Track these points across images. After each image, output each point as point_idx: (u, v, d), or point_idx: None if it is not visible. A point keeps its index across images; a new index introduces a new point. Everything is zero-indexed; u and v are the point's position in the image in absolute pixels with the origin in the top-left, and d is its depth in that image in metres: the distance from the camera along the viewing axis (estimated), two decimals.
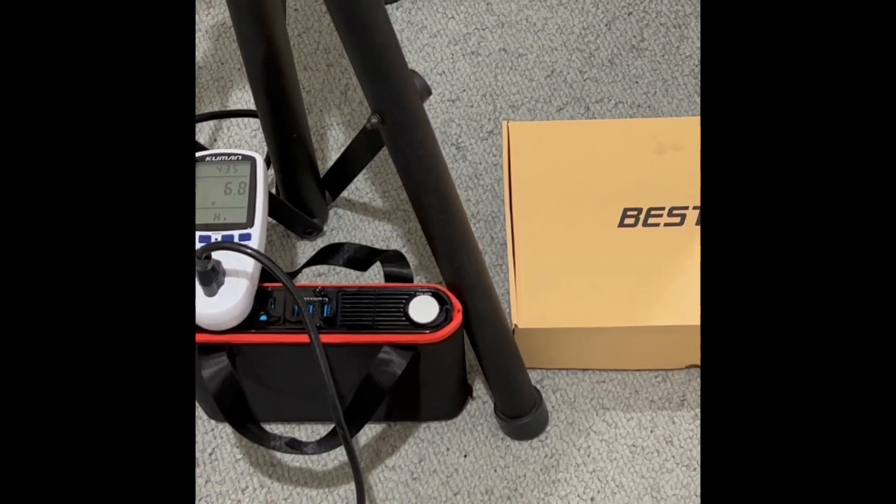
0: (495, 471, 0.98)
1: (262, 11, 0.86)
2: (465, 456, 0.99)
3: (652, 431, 0.99)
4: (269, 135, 0.99)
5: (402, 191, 1.10)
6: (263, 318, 0.87)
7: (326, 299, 0.88)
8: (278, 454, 0.99)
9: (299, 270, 1.03)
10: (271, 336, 0.87)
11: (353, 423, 0.88)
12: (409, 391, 0.94)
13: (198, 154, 0.90)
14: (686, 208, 1.00)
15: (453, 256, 0.85)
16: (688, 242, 0.98)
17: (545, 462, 0.98)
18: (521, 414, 0.96)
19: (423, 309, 0.87)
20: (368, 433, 0.99)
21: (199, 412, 1.01)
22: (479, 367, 0.94)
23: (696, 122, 1.05)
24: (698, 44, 1.19)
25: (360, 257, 0.99)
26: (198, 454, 0.99)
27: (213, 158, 0.90)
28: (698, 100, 1.15)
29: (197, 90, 1.18)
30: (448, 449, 0.99)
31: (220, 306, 0.84)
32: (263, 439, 0.90)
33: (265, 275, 0.87)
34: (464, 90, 1.17)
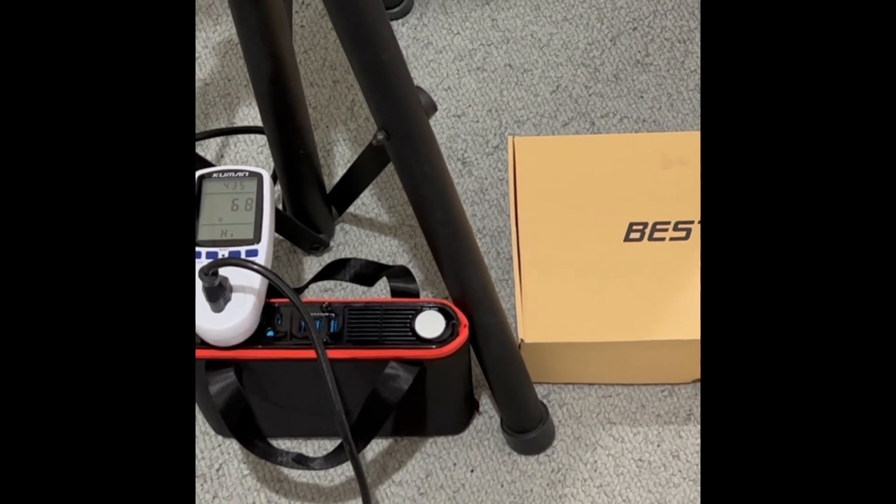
0: (502, 486, 0.98)
1: (270, 29, 0.87)
2: (472, 471, 0.99)
3: (658, 446, 0.99)
4: (276, 151, 0.99)
5: (408, 206, 1.10)
6: (270, 333, 0.87)
7: (333, 315, 0.88)
8: (285, 470, 0.99)
9: (306, 286, 1.03)
10: (278, 352, 0.87)
11: (360, 438, 0.88)
12: (415, 406, 0.94)
13: (205, 170, 0.91)
14: (691, 223, 1.00)
15: (459, 271, 0.85)
16: (693, 257, 0.98)
17: (552, 477, 0.98)
18: (528, 429, 0.97)
19: (430, 324, 0.87)
20: (375, 448, 0.99)
21: (207, 428, 1.01)
22: (486, 381, 0.94)
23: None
24: None
25: (367, 273, 0.99)
26: (205, 470, 1.00)
27: (221, 175, 0.90)
28: None
29: (204, 107, 1.18)
30: (455, 464, 0.99)
31: (227, 322, 0.84)
32: (271, 455, 0.90)
33: (272, 290, 0.88)
34: (469, 105, 1.18)
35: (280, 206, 1.06)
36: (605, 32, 1.22)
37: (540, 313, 0.96)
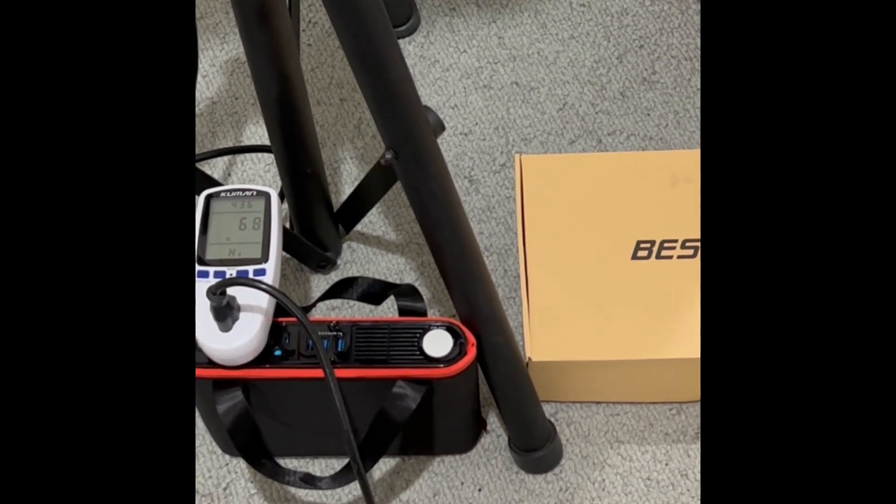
0: None
1: (277, 47, 0.87)
2: (480, 490, 0.99)
3: (667, 465, 0.99)
4: (283, 170, 0.99)
5: (416, 224, 1.11)
6: (278, 352, 0.87)
7: (341, 334, 0.88)
8: (293, 489, 0.99)
9: (313, 305, 1.03)
10: (286, 371, 0.87)
11: (368, 457, 0.88)
12: (423, 425, 0.94)
13: (213, 190, 0.91)
14: (699, 241, 1.00)
15: (467, 290, 0.85)
16: None
17: (560, 496, 0.98)
18: (536, 447, 0.96)
19: (437, 343, 0.88)
20: (382, 467, 0.99)
21: (214, 447, 1.01)
22: (493, 400, 0.94)
23: None
24: None
25: (374, 291, 0.99)
26: (212, 489, 1.00)
27: (228, 194, 0.91)
28: None
29: (211, 125, 1.19)
30: (462, 483, 0.99)
31: (235, 342, 0.84)
32: (278, 474, 0.90)
33: (280, 309, 0.88)
34: (476, 123, 1.18)
35: (287, 225, 1.06)
36: (612, 50, 1.22)
37: (547, 332, 0.96)
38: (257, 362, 0.87)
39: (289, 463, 0.99)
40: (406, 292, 0.96)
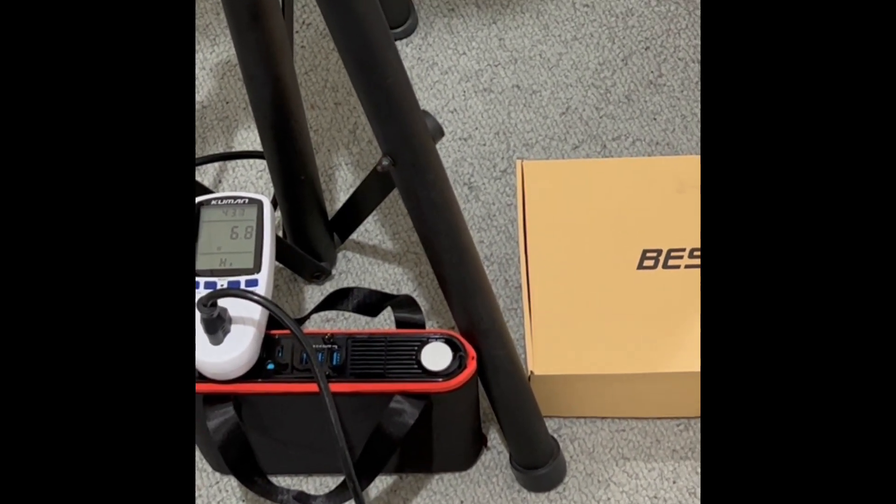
0: None
1: (270, 50, 0.87)
2: None
3: (675, 483, 0.99)
4: (276, 176, 0.99)
5: (413, 233, 1.11)
6: (271, 366, 0.87)
7: (336, 347, 0.88)
8: None
9: (307, 316, 1.03)
10: (279, 385, 0.87)
11: (364, 475, 0.88)
12: (421, 441, 0.94)
13: (203, 197, 0.91)
14: None
15: (466, 301, 0.85)
16: None
17: None
18: (538, 464, 0.96)
19: (436, 356, 0.88)
20: (379, 485, 0.99)
21: (204, 464, 1.01)
22: (494, 415, 0.94)
23: None
24: None
25: (371, 302, 0.99)
26: None
27: (219, 202, 0.91)
28: None
29: (201, 130, 1.19)
30: (462, 502, 0.99)
31: (226, 355, 0.84)
32: (270, 493, 0.90)
33: (272, 321, 0.88)
34: (476, 128, 1.18)
35: (280, 234, 1.06)
36: (617, 52, 1.22)
37: (550, 344, 0.96)
38: (249, 376, 0.86)
39: (282, 481, 0.99)
40: (403, 303, 0.96)
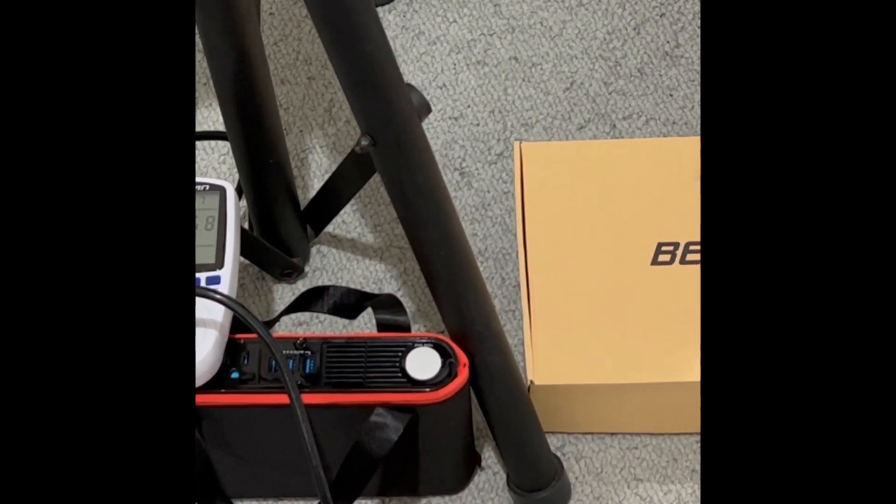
0: None
1: (233, 16, 0.87)
2: None
3: None
4: (241, 160, 0.99)
5: (397, 224, 1.11)
6: (235, 375, 0.87)
7: (309, 353, 0.88)
8: None
9: (277, 319, 1.03)
10: (244, 396, 0.87)
11: (342, 498, 0.88)
12: (406, 460, 0.94)
13: None
14: None
15: (457, 301, 0.85)
16: None
17: None
18: (539, 487, 0.97)
19: (423, 363, 0.88)
20: None
21: None
22: (489, 431, 0.95)
23: None
24: None
25: (348, 303, 0.99)
26: None
27: None
28: None
29: None
30: None
31: None
32: None
33: (237, 324, 0.88)
34: (468, 106, 1.19)
35: (246, 225, 1.07)
36: (628, 20, 1.23)
37: (552, 350, 0.96)
38: (211, 386, 0.87)
39: None
40: (386, 304, 0.96)
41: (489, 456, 1.02)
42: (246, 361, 0.88)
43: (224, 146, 1.16)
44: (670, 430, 1.02)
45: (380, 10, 1.23)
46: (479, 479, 1.01)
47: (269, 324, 1.03)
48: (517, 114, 1.18)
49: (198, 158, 1.16)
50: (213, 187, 0.91)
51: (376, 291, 1.08)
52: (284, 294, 1.09)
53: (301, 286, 1.09)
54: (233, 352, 0.88)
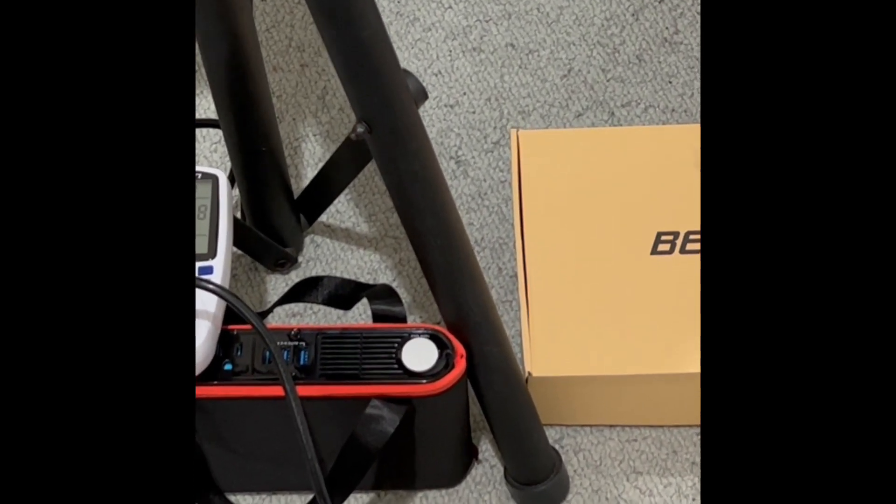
0: None
1: (226, 3, 0.87)
2: None
3: (694, 500, 0.99)
4: (234, 148, 0.99)
5: (392, 213, 1.11)
6: (228, 366, 0.87)
7: (303, 344, 0.88)
8: None
9: (270, 310, 1.03)
10: (238, 388, 0.87)
11: (337, 492, 0.88)
12: (402, 453, 0.94)
13: None
14: None
15: (454, 291, 0.85)
16: None
17: None
18: (537, 480, 0.97)
19: (419, 354, 0.88)
20: None
21: None
22: (486, 423, 0.94)
23: None
24: None
25: (343, 293, 0.99)
26: None
27: None
28: None
29: None
30: None
31: None
32: None
33: (230, 315, 0.88)
34: (464, 93, 1.18)
35: (238, 214, 1.06)
36: (626, 5, 1.22)
37: (550, 342, 0.96)
38: (204, 378, 0.87)
39: (242, 500, 0.99)
40: (381, 294, 0.96)
41: (486, 449, 1.02)
42: (239, 353, 0.88)
43: (216, 134, 1.16)
44: (670, 422, 1.02)
45: None
46: (476, 472, 1.01)
47: (263, 315, 1.03)
48: (514, 101, 1.18)
49: None
50: (206, 176, 0.91)
51: (371, 282, 1.08)
52: (278, 284, 1.09)
53: (294, 276, 1.09)
54: (226, 343, 0.88)
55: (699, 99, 1.17)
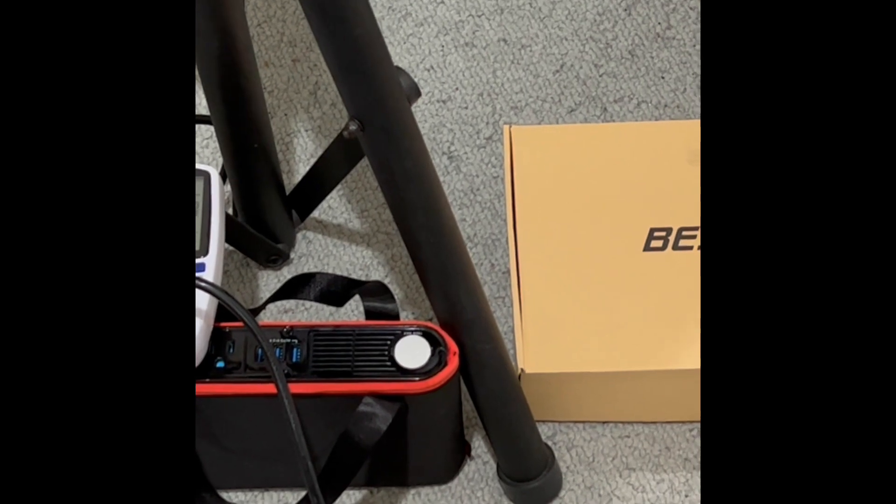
0: None
1: None
2: None
3: (687, 496, 0.99)
4: (226, 144, 0.99)
5: (385, 209, 1.11)
6: (220, 364, 0.87)
7: (295, 341, 0.88)
8: None
9: (262, 307, 1.03)
10: (230, 386, 0.87)
11: (330, 489, 0.88)
12: (395, 450, 0.94)
13: None
14: None
15: (447, 288, 0.85)
16: None
17: None
18: (530, 477, 0.97)
19: (412, 351, 0.88)
20: (346, 502, 1.00)
21: None
22: (479, 420, 0.95)
23: None
24: None
25: (335, 290, 0.99)
26: None
27: None
28: None
29: None
30: None
31: None
32: None
33: (222, 312, 0.88)
34: (456, 89, 1.18)
35: (230, 211, 1.06)
36: (619, 0, 1.22)
37: (543, 338, 0.96)
38: (196, 375, 0.87)
39: (234, 497, 0.99)
40: (374, 291, 0.96)
41: (479, 445, 1.02)
42: (231, 350, 0.88)
43: (207, 130, 1.16)
44: (663, 418, 1.02)
45: None
46: (469, 468, 1.01)
47: (255, 311, 1.03)
48: (506, 97, 1.18)
49: None
50: (198, 172, 0.91)
51: (363, 278, 1.08)
52: (269, 281, 1.09)
53: (286, 273, 1.09)
54: (217, 340, 0.88)
55: (692, 94, 1.17)
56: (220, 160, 1.02)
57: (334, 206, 1.12)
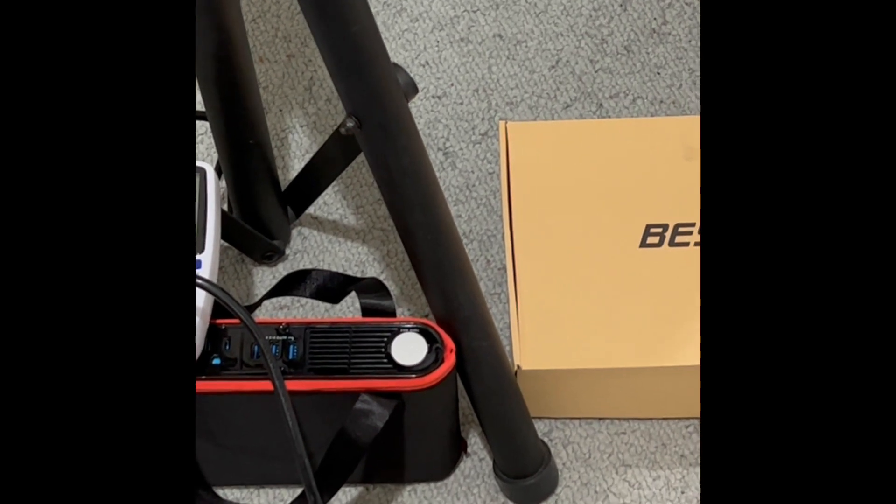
0: None
1: None
2: None
3: (683, 493, 1.00)
4: (221, 141, 0.99)
5: (381, 206, 1.11)
6: (216, 361, 0.87)
7: (292, 338, 0.88)
8: None
9: (258, 303, 1.03)
10: (226, 383, 0.87)
11: (326, 486, 0.88)
12: (391, 447, 0.94)
13: None
14: None
15: (444, 285, 0.85)
16: None
17: None
18: (526, 473, 0.97)
19: (409, 348, 0.88)
20: (342, 498, 1.00)
21: None
22: (476, 417, 0.95)
23: None
24: None
25: (331, 287, 0.99)
26: None
27: None
28: None
29: None
30: None
31: None
32: None
33: (218, 309, 0.88)
34: (452, 84, 1.18)
35: (225, 207, 1.06)
36: None
37: (539, 335, 0.96)
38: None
39: (230, 494, 0.99)
40: (370, 288, 0.96)
41: (475, 442, 1.02)
42: (227, 347, 0.88)
43: (203, 126, 1.15)
44: (659, 414, 1.02)
45: None
46: (465, 465, 1.01)
47: (251, 308, 1.03)
48: (502, 92, 1.18)
49: None
50: None
51: (359, 275, 1.08)
52: (265, 277, 1.09)
53: (282, 269, 1.09)
54: (214, 338, 0.88)
55: (687, 90, 1.17)
56: (216, 156, 1.02)
57: (330, 203, 1.12)
